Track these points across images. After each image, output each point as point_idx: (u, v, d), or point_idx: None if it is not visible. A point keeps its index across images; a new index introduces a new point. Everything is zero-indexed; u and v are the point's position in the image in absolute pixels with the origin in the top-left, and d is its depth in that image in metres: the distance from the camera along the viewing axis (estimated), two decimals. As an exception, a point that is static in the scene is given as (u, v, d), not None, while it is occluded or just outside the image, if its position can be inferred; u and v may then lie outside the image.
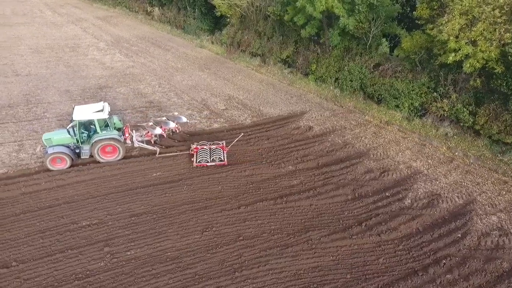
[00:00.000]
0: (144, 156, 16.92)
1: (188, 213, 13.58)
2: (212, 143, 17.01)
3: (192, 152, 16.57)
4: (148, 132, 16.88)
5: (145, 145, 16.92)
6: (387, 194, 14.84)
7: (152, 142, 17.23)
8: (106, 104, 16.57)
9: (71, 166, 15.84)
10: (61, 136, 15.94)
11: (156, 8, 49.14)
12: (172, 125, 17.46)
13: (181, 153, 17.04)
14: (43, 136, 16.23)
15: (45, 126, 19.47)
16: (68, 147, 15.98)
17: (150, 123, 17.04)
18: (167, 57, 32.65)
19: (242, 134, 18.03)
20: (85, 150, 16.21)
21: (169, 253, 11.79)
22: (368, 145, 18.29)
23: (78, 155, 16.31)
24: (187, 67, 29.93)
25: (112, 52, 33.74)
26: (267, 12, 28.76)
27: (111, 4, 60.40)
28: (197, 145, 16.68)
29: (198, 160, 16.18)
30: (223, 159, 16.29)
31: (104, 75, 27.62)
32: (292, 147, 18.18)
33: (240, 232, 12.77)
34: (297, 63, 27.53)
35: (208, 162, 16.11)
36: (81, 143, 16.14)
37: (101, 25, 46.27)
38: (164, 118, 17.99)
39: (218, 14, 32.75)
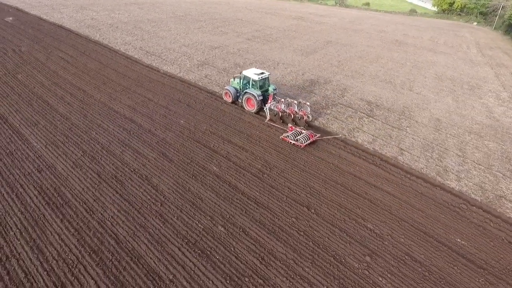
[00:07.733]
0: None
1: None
2: (307, 130, 20.57)
3: (287, 130, 20.75)
4: (278, 105, 21.62)
5: (267, 110, 21.71)
6: None
7: (279, 115, 21.46)
8: (267, 73, 22.38)
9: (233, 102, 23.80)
10: (236, 82, 23.35)
11: None
12: (296, 108, 21.18)
13: (280, 127, 21.09)
14: (231, 79, 24.29)
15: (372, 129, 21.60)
16: (236, 90, 23.39)
17: (283, 100, 21.71)
18: None
19: (340, 135, 20.66)
20: (240, 96, 22.99)
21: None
22: None
23: (237, 98, 23.43)
24: None
25: (510, 106, 29.87)
26: None
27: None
28: (294, 126, 20.86)
29: (286, 135, 19.90)
30: (304, 142, 19.20)
31: (481, 122, 25.42)
32: None
33: None
34: None
35: (292, 140, 19.42)
36: (242, 90, 22.90)
37: (519, 76, 41.25)
38: (296, 102, 21.36)
39: None
